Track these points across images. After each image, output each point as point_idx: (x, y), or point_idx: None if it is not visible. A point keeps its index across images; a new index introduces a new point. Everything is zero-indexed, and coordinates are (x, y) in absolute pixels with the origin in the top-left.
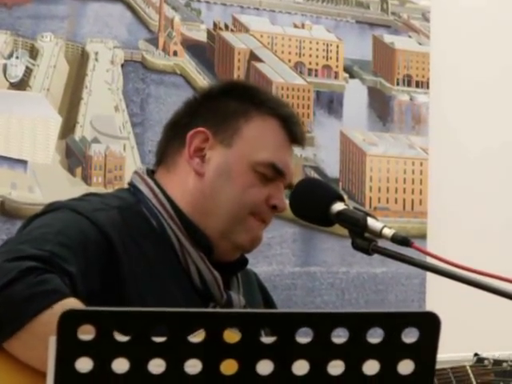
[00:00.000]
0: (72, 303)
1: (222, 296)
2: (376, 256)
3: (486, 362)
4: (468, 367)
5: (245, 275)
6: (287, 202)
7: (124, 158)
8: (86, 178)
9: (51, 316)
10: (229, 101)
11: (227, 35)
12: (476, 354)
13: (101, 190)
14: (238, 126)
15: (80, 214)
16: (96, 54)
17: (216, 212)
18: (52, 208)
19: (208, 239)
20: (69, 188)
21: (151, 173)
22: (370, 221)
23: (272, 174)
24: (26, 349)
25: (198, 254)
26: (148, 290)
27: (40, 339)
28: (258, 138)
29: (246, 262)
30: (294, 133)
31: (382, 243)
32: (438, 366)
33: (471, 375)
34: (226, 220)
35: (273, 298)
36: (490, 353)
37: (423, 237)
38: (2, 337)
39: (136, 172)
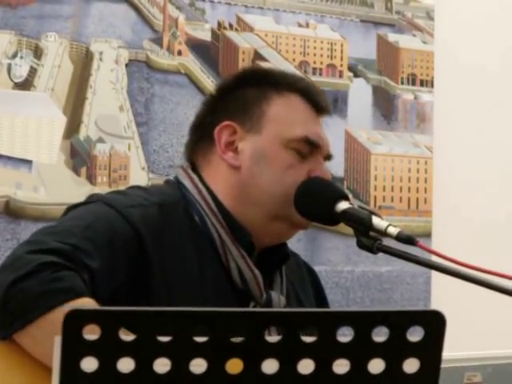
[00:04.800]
0: (85, 303)
1: (262, 295)
2: (381, 255)
3: None
4: None
5: (297, 268)
6: (329, 172)
7: (129, 157)
8: (91, 178)
9: (61, 314)
10: (245, 89)
11: (231, 34)
12: None
13: (105, 189)
14: (261, 110)
15: (113, 208)
16: (100, 53)
17: (262, 199)
18: (89, 200)
19: (249, 236)
20: (73, 188)
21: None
22: (375, 219)
23: (307, 148)
24: (34, 344)
25: (239, 251)
26: (183, 288)
27: (47, 336)
28: (284, 116)
29: (287, 257)
30: (317, 103)
31: (386, 242)
32: (443, 365)
33: None
34: (277, 205)
35: (326, 296)
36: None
37: (428, 235)
38: (12, 329)
39: (181, 167)
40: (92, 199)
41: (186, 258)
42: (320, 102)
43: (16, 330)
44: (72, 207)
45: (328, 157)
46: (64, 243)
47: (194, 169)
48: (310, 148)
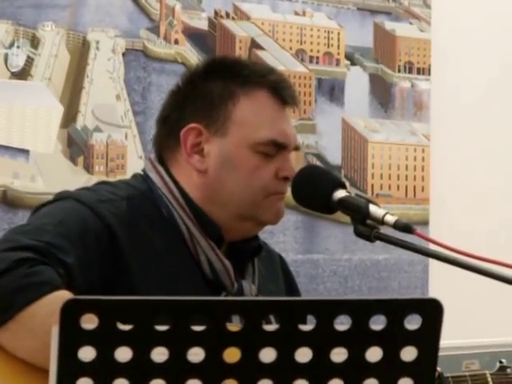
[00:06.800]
0: (62, 295)
1: (233, 285)
2: (378, 243)
3: (508, 371)
4: (488, 375)
5: (269, 259)
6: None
7: (126, 146)
8: (88, 167)
9: (40, 308)
10: (212, 85)
11: (228, 23)
12: (500, 362)
13: (103, 179)
14: (227, 111)
15: (83, 205)
16: (97, 42)
17: (230, 203)
18: (58, 197)
19: (218, 228)
20: (71, 177)
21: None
22: (372, 208)
23: (274, 150)
24: (14, 339)
25: (208, 243)
26: (155, 281)
27: (28, 330)
28: (250, 118)
29: (260, 248)
30: (284, 97)
31: (384, 230)
32: (441, 353)
33: (491, 383)
34: (244, 207)
35: (296, 284)
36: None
37: (425, 223)
38: None
39: (149, 159)
40: (61, 196)
41: (158, 250)
42: (287, 96)
43: None
44: (41, 206)
45: (296, 148)
46: (38, 240)
47: (162, 161)
48: (277, 149)
